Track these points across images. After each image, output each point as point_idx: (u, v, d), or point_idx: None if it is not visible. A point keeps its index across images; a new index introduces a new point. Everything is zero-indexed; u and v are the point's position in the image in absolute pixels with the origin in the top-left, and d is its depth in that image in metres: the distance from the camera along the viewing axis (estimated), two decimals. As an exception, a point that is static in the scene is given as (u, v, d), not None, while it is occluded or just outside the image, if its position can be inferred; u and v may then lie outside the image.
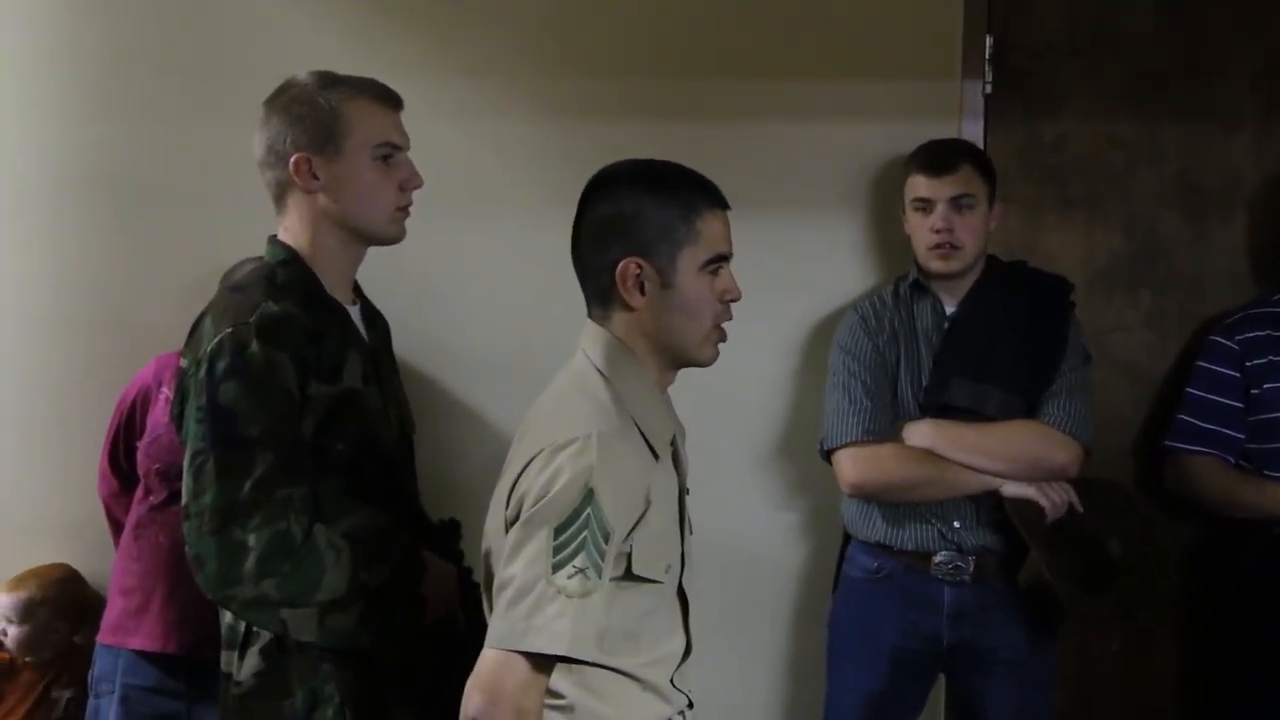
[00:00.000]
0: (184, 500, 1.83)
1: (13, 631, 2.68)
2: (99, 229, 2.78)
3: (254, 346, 1.80)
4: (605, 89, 2.73)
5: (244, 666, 1.89)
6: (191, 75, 2.74)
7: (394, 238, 2.01)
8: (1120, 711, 2.80)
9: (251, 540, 1.78)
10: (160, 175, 2.76)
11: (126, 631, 2.49)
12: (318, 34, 2.72)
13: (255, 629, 1.88)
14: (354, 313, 2.03)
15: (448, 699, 2.03)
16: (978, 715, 2.46)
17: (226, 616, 1.93)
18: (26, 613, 2.69)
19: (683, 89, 2.72)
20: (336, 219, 1.95)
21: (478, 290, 2.77)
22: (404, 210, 2.00)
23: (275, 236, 1.98)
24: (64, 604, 2.74)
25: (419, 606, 1.95)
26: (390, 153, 1.97)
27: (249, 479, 1.78)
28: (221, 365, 1.80)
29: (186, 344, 1.93)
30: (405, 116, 2.03)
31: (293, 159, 1.91)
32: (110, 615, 2.54)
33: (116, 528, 2.63)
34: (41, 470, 2.82)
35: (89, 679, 2.56)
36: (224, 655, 1.94)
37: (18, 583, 2.72)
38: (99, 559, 2.74)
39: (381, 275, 2.61)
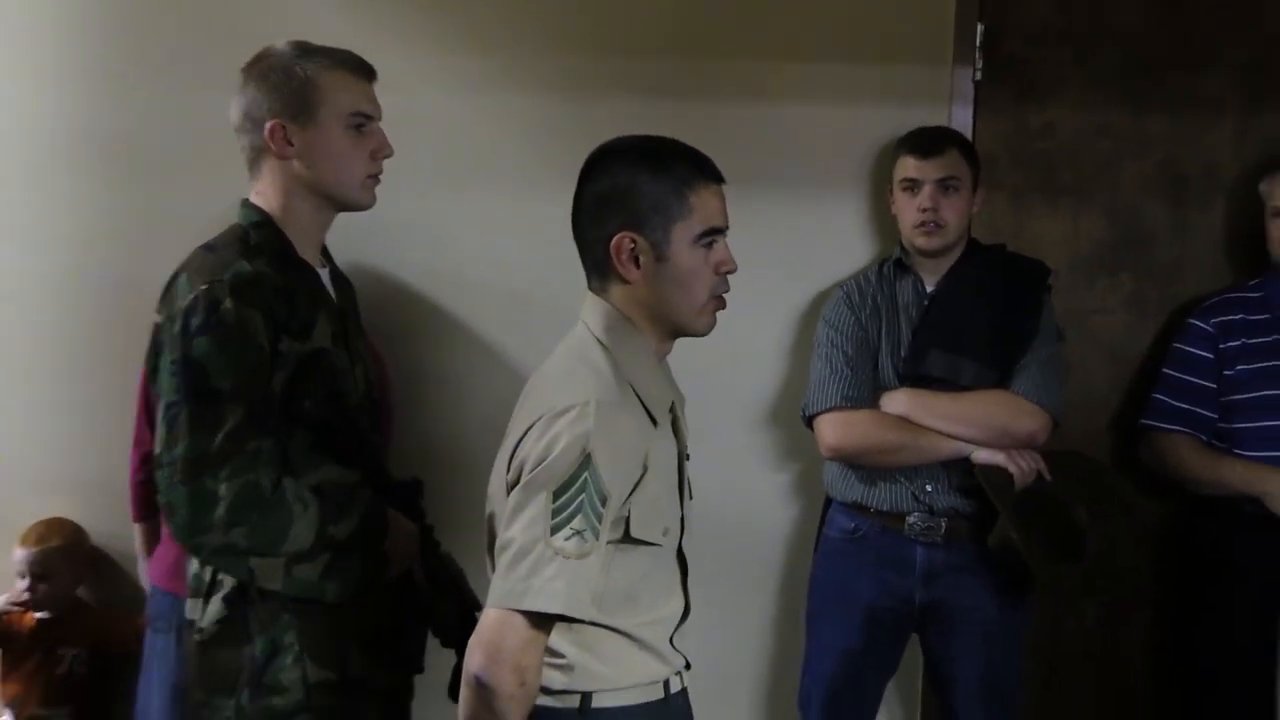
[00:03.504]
0: (157, 450, 1.87)
1: (39, 585, 2.73)
2: (108, 188, 2.81)
3: (227, 303, 1.84)
4: (603, 68, 2.75)
5: (207, 613, 1.93)
6: (212, 43, 2.74)
7: (364, 204, 2.05)
8: (1089, 684, 2.86)
9: (222, 490, 1.81)
10: (176, 142, 2.77)
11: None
12: (319, 6, 2.72)
13: (220, 577, 1.92)
14: (323, 275, 2.06)
15: (404, 651, 2.08)
16: (948, 674, 2.53)
17: (194, 565, 1.97)
18: (52, 565, 2.74)
19: (678, 69, 2.74)
20: (309, 184, 1.99)
21: (480, 260, 2.80)
22: (375, 178, 2.04)
23: (248, 200, 2.01)
24: (76, 557, 2.79)
25: (382, 561, 1.99)
26: (363, 122, 2.01)
27: (220, 431, 1.82)
28: (195, 321, 1.84)
29: (161, 300, 1.96)
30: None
31: (268, 125, 1.95)
32: (167, 560, 2.48)
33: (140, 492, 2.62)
34: (51, 428, 2.85)
35: (145, 615, 2.56)
36: (189, 603, 1.98)
37: (40, 536, 2.75)
38: (103, 516, 2.80)
39: (385, 242, 2.66)
